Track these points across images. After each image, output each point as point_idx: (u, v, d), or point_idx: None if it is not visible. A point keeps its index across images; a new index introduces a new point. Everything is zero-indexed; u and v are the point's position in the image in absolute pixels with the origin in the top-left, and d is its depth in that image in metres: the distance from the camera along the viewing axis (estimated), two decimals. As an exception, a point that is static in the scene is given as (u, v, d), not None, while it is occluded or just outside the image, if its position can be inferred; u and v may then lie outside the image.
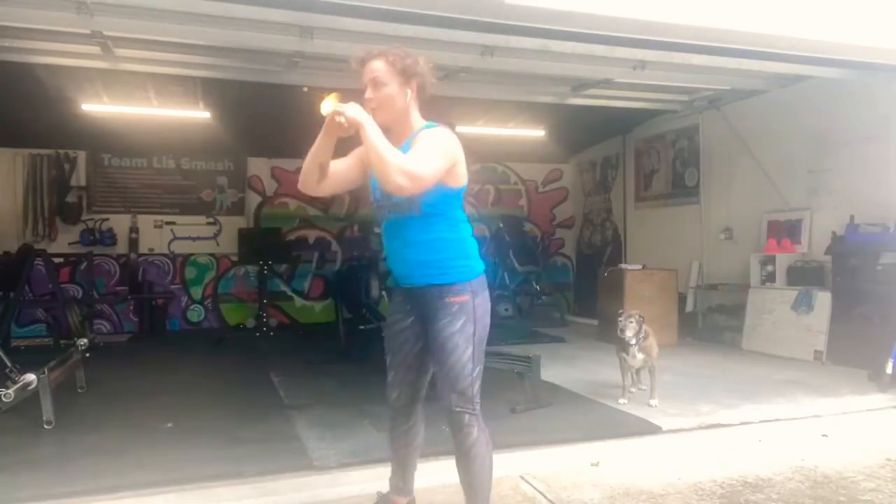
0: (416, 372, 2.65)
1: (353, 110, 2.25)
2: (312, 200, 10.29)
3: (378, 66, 2.43)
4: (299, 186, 2.54)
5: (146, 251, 9.51)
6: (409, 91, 2.46)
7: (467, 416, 2.43)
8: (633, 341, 4.67)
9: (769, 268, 7.18)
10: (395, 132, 2.48)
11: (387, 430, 2.81)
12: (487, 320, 2.53)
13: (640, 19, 4.50)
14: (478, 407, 2.47)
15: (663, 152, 9.34)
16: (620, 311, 5.04)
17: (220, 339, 8.32)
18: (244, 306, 9.82)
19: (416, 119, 2.51)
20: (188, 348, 8.13)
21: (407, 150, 2.36)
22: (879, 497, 3.11)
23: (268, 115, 7.80)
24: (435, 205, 2.42)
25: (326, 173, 2.49)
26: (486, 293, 2.56)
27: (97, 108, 7.42)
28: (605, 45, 5.34)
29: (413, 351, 2.61)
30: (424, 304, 2.50)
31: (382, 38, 5.23)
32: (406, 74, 2.44)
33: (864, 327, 5.94)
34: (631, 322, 4.69)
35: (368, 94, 2.44)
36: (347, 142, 2.44)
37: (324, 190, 2.55)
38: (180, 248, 9.72)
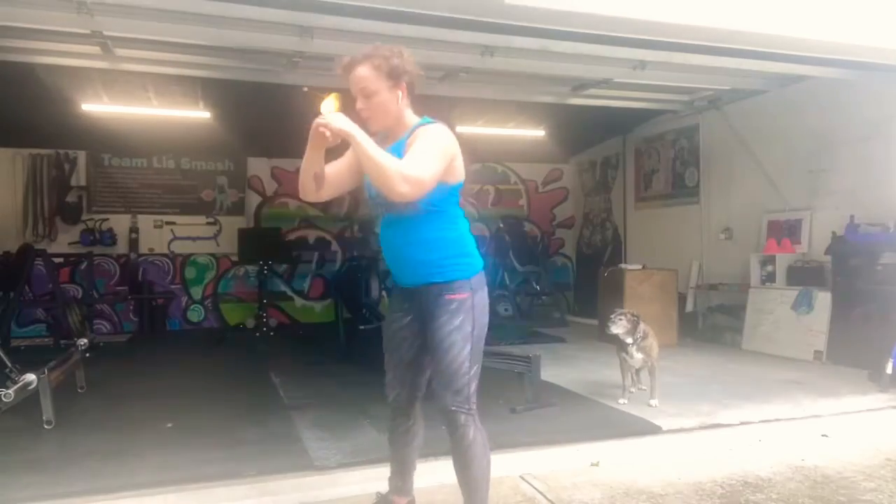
0: (415, 371, 2.64)
1: (337, 121, 2.21)
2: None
3: (365, 74, 2.37)
4: (300, 196, 2.52)
5: (146, 251, 9.51)
6: (400, 93, 2.42)
7: (463, 416, 2.41)
8: (630, 340, 4.67)
9: (769, 268, 7.18)
10: (391, 133, 2.47)
11: (387, 430, 2.81)
12: (486, 318, 2.52)
13: (640, 19, 4.50)
14: (474, 407, 2.45)
15: (663, 152, 9.34)
16: (616, 309, 5.03)
17: (220, 339, 8.32)
18: (244, 306, 9.82)
19: (410, 117, 2.49)
20: (188, 348, 8.12)
21: (402, 148, 2.34)
22: (879, 497, 3.11)
23: (268, 115, 7.80)
24: (433, 202, 2.38)
25: (324, 180, 2.46)
26: (485, 290, 2.54)
27: (97, 108, 7.41)
28: (605, 45, 5.35)
29: (411, 350, 2.60)
30: (423, 302, 2.48)
31: (382, 39, 5.20)
32: (394, 77, 2.38)
33: (864, 327, 5.94)
34: (620, 319, 4.67)
35: (360, 104, 2.40)
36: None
37: (324, 196, 2.53)
38: (180, 248, 9.72)
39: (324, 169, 2.44)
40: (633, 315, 4.75)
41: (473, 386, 2.45)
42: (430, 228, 2.43)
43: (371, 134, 2.28)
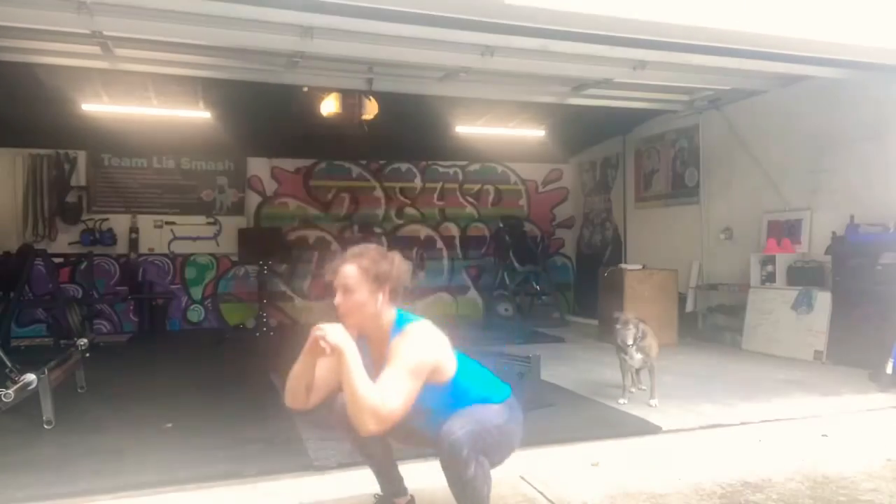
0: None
1: (334, 335, 2.21)
2: (312, 200, 10.32)
3: (350, 273, 2.37)
4: (287, 404, 2.48)
5: (146, 251, 9.51)
6: (381, 296, 2.40)
7: (466, 450, 2.29)
8: (630, 341, 4.67)
9: (769, 268, 7.18)
10: (369, 336, 2.47)
11: (357, 451, 2.84)
12: (513, 437, 2.53)
13: (640, 19, 4.50)
14: (481, 455, 2.36)
15: (663, 152, 9.34)
16: (617, 314, 5.00)
17: (220, 339, 8.32)
18: (244, 306, 9.82)
19: (388, 317, 2.45)
20: (188, 348, 8.12)
21: (366, 347, 2.38)
22: (879, 497, 3.10)
23: (268, 115, 7.81)
24: (438, 400, 2.40)
25: (312, 388, 2.43)
26: (519, 416, 2.58)
27: (97, 108, 7.42)
28: (605, 45, 5.35)
29: None
30: None
31: (382, 39, 5.26)
32: (379, 280, 2.38)
33: (864, 327, 5.94)
34: (629, 329, 4.66)
35: (337, 298, 2.39)
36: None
37: (313, 402, 2.47)
38: (180, 248, 9.72)
39: (314, 378, 2.41)
40: (637, 320, 4.73)
41: (482, 447, 2.36)
42: (443, 417, 2.40)
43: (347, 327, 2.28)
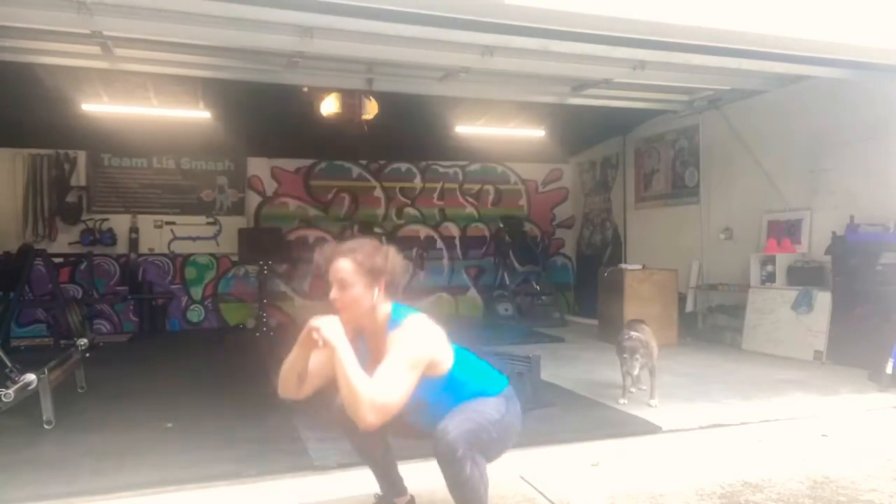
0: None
1: (328, 329, 2.21)
2: (312, 200, 10.32)
3: (345, 267, 2.37)
4: (280, 393, 2.48)
5: (146, 251, 9.51)
6: (377, 290, 2.40)
7: (462, 449, 2.28)
8: (636, 371, 4.65)
9: (769, 268, 7.18)
10: (366, 330, 2.47)
11: (355, 450, 2.84)
12: (511, 430, 2.54)
13: (640, 19, 4.49)
14: (476, 454, 2.35)
15: (663, 152, 9.34)
16: (626, 336, 4.74)
17: (220, 339, 8.32)
18: (244, 306, 9.83)
19: (384, 311, 2.45)
20: (188, 348, 8.13)
21: (364, 344, 2.40)
22: (879, 497, 3.10)
23: (268, 115, 7.81)
24: (435, 394, 2.40)
25: (305, 378, 2.44)
26: (517, 405, 2.60)
27: (97, 108, 7.41)
28: (605, 45, 5.34)
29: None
30: None
31: (382, 39, 5.25)
32: (374, 274, 2.38)
33: (864, 327, 5.94)
34: (636, 360, 4.59)
35: (333, 293, 2.38)
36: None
37: (306, 392, 2.48)
38: (180, 248, 9.72)
39: (306, 369, 2.42)
40: (644, 341, 4.68)
41: (479, 446, 2.36)
42: (443, 409, 2.41)
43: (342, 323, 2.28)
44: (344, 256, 2.39)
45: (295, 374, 2.42)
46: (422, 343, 2.34)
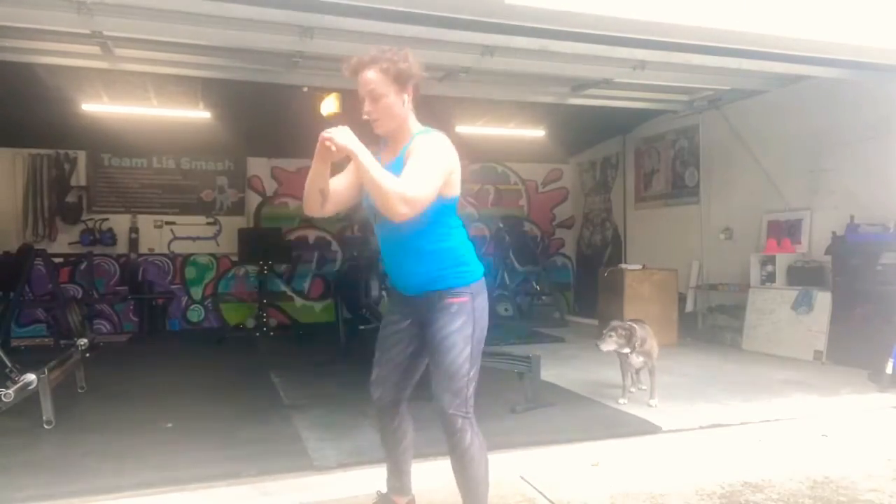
0: (403, 373, 2.64)
1: (342, 137, 2.21)
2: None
3: (373, 77, 2.37)
4: (305, 211, 2.50)
5: (146, 251, 9.51)
6: (406, 96, 2.42)
7: (460, 420, 2.39)
8: (627, 350, 4.65)
9: (769, 268, 7.18)
10: (394, 139, 2.48)
11: (377, 431, 2.82)
12: (486, 322, 2.52)
13: (640, 19, 4.49)
14: (471, 410, 2.44)
15: (663, 152, 9.33)
16: (609, 323, 4.89)
17: (220, 339, 8.32)
18: (244, 306, 9.82)
19: (413, 123, 2.48)
20: (188, 348, 8.13)
21: (402, 160, 2.36)
22: (879, 497, 3.10)
23: (268, 115, 7.80)
24: (430, 214, 2.38)
25: (328, 195, 2.45)
26: (485, 295, 2.56)
27: (97, 108, 7.42)
28: (605, 45, 5.34)
29: (405, 352, 2.61)
30: (423, 308, 2.49)
31: (382, 39, 5.23)
32: (401, 80, 2.39)
33: (864, 327, 5.95)
34: (611, 336, 4.63)
35: (367, 106, 2.40)
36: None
37: (329, 210, 2.50)
38: (180, 248, 9.72)
39: (328, 183, 2.44)
40: (625, 329, 4.69)
41: (472, 389, 2.44)
42: (426, 241, 2.44)
43: (377, 136, 2.32)
44: (368, 67, 2.38)
45: (317, 190, 2.41)
46: (447, 150, 2.39)
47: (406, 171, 2.26)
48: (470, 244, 2.59)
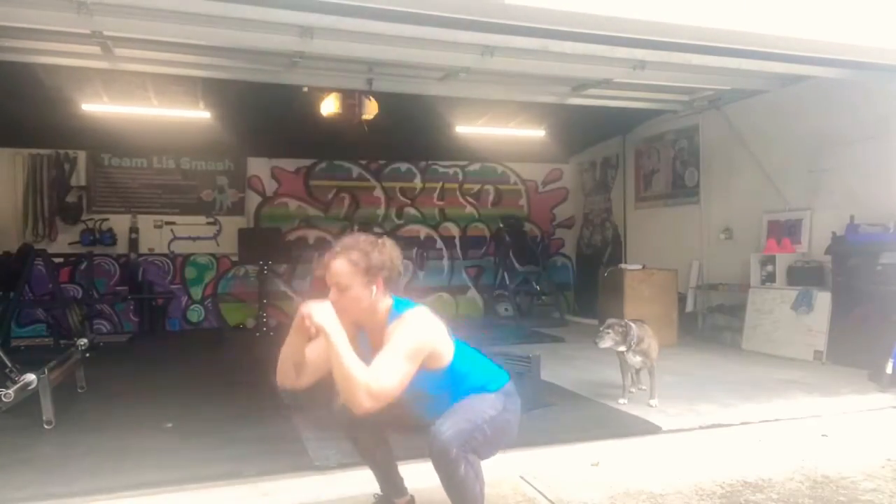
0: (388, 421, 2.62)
1: (320, 315, 2.21)
2: (312, 200, 10.32)
3: (340, 268, 2.35)
4: (278, 381, 2.47)
5: (146, 251, 9.51)
6: (375, 287, 2.38)
7: (455, 450, 2.29)
8: (623, 348, 4.65)
9: (769, 268, 7.17)
10: (367, 327, 2.47)
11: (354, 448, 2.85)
12: (509, 427, 2.54)
13: (640, 19, 4.49)
14: (471, 454, 2.36)
15: (663, 152, 9.33)
16: (606, 320, 4.90)
17: (220, 339, 8.32)
18: (244, 306, 9.82)
19: (384, 305, 2.44)
20: (188, 348, 8.13)
21: (367, 339, 2.42)
22: (879, 497, 3.10)
23: (268, 115, 7.80)
24: (435, 386, 2.40)
25: (303, 368, 2.42)
26: (516, 402, 2.59)
27: (97, 108, 7.41)
28: (605, 45, 5.34)
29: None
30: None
31: (382, 39, 5.25)
32: (371, 273, 2.36)
33: (864, 327, 5.94)
34: (607, 333, 4.63)
35: (332, 296, 2.36)
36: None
37: (304, 382, 2.45)
38: (180, 248, 9.72)
39: (304, 357, 2.40)
40: (621, 326, 4.68)
41: (476, 442, 2.37)
42: (440, 406, 2.41)
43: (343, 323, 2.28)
44: (339, 258, 2.37)
45: (291, 362, 2.39)
46: (421, 333, 2.34)
47: (377, 359, 2.23)
48: (484, 374, 2.57)
